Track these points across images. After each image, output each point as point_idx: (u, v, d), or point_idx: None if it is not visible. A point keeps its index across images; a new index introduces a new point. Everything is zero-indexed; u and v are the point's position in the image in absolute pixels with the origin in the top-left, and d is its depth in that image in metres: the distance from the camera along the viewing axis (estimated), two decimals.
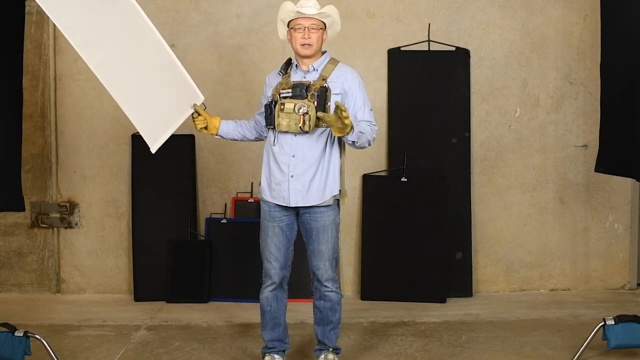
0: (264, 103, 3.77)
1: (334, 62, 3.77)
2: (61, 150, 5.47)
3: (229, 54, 5.45)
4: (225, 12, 5.44)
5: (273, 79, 3.80)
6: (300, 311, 4.74)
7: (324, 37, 3.74)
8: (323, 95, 3.63)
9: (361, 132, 3.59)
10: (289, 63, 3.79)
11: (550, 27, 5.48)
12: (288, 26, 3.75)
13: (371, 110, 3.76)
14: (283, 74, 3.75)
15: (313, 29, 3.67)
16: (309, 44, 3.67)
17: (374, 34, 5.44)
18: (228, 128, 3.96)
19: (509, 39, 5.47)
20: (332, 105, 3.64)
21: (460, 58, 5.41)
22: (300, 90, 3.63)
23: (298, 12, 3.66)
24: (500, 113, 5.50)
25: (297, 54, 3.74)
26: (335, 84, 3.69)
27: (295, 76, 3.73)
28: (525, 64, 5.49)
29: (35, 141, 5.43)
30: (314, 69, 3.73)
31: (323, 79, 3.68)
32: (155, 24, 5.39)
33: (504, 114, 5.50)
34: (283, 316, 3.86)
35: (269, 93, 3.75)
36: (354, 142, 3.59)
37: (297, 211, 3.75)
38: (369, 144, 3.69)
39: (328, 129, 3.66)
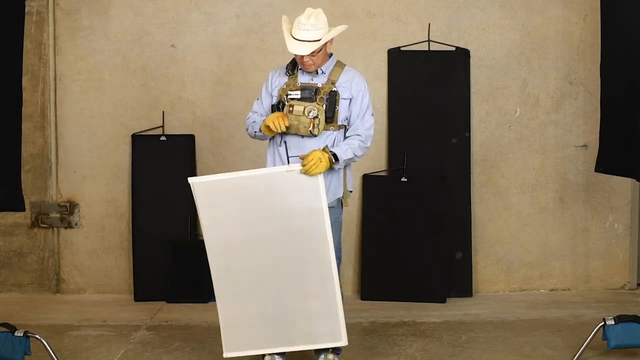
0: (271, 103, 3.75)
1: (340, 65, 3.77)
2: (61, 150, 5.47)
3: (229, 54, 5.45)
4: (225, 12, 5.44)
5: (278, 78, 3.77)
6: None
7: (329, 44, 3.70)
8: (333, 99, 3.65)
9: (350, 158, 3.65)
10: (295, 63, 3.76)
11: (550, 27, 5.48)
12: None
13: (372, 115, 3.78)
14: (290, 74, 3.73)
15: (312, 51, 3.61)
16: (310, 64, 3.65)
17: (374, 34, 5.44)
18: None
19: (509, 39, 5.47)
20: (340, 110, 3.66)
21: (460, 58, 5.41)
22: (309, 93, 3.64)
23: (292, 53, 3.60)
24: (500, 113, 5.50)
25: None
26: (343, 88, 3.70)
27: (303, 78, 3.71)
28: (525, 64, 5.48)
29: (35, 141, 5.43)
30: (322, 72, 3.72)
31: (332, 83, 3.68)
32: (155, 24, 5.47)
33: (504, 114, 5.50)
34: None
35: (275, 93, 3.74)
36: (343, 165, 3.68)
37: None
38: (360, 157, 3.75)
39: (335, 132, 3.69)
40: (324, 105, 3.63)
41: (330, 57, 3.78)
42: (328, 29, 3.66)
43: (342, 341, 3.64)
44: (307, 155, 3.52)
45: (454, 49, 5.41)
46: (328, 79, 3.70)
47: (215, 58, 5.45)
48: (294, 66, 3.76)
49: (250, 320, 3.66)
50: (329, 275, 3.60)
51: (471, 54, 5.43)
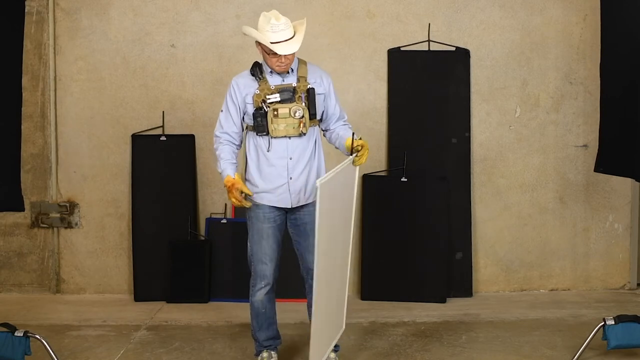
0: (243, 111, 3.71)
1: (303, 62, 3.80)
2: (61, 150, 5.47)
3: (229, 54, 5.45)
4: (225, 12, 5.44)
5: (247, 84, 3.72)
6: (301, 311, 4.72)
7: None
8: (313, 96, 3.69)
9: None
10: (260, 67, 3.73)
11: (550, 27, 5.48)
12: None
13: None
14: (260, 79, 3.70)
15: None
16: (287, 65, 3.66)
17: (374, 34, 5.44)
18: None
19: (509, 39, 5.47)
20: (318, 105, 3.73)
21: (460, 58, 5.41)
22: (288, 94, 3.66)
23: (273, 51, 3.57)
24: (500, 113, 5.50)
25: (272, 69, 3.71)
26: (315, 84, 3.75)
27: (273, 80, 3.70)
28: (525, 64, 5.48)
29: (35, 141, 5.43)
30: (292, 70, 3.73)
31: (305, 80, 3.71)
32: (155, 24, 5.47)
33: (504, 114, 5.50)
34: (275, 315, 3.93)
35: (248, 99, 3.69)
36: None
37: (285, 210, 3.79)
38: None
39: (315, 127, 3.77)
40: (304, 103, 3.66)
41: None
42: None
43: (343, 327, 3.80)
44: (361, 146, 3.62)
45: (454, 49, 5.41)
46: (298, 77, 3.72)
47: (215, 58, 5.45)
48: (261, 70, 3.72)
49: (324, 331, 3.59)
50: (347, 262, 3.79)
51: (471, 54, 5.43)
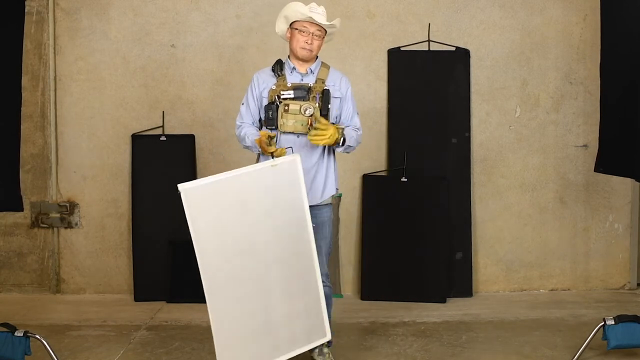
0: (259, 105, 3.77)
1: (326, 65, 3.84)
2: (61, 150, 5.47)
3: (229, 54, 5.45)
4: (225, 12, 5.44)
5: (266, 80, 3.78)
6: None
7: (323, 42, 3.78)
8: (326, 97, 3.71)
9: (349, 145, 3.73)
10: (281, 64, 3.79)
11: (550, 27, 5.48)
12: (290, 25, 3.76)
13: (358, 113, 3.90)
14: (279, 75, 3.76)
15: (317, 35, 3.72)
16: (310, 50, 3.71)
17: (374, 34, 5.44)
18: None
19: (509, 39, 5.47)
20: (332, 108, 3.73)
21: (460, 58, 5.41)
22: (302, 92, 3.69)
23: (309, 17, 3.67)
24: (500, 113, 5.50)
25: (294, 55, 3.76)
26: (333, 87, 3.77)
27: (292, 78, 3.76)
28: (525, 64, 5.49)
29: (35, 141, 5.43)
30: (311, 71, 3.78)
31: (322, 82, 3.74)
32: (155, 24, 5.47)
33: (504, 114, 5.50)
34: None
35: (265, 94, 3.75)
36: (342, 151, 3.75)
37: None
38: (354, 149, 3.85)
39: None
40: (317, 104, 3.68)
41: (316, 58, 3.83)
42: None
43: (327, 336, 3.62)
44: (325, 126, 3.54)
45: (454, 49, 5.41)
46: (317, 79, 3.75)
47: (215, 58, 5.45)
48: (280, 67, 3.78)
49: (243, 336, 3.48)
50: (312, 272, 3.54)
51: (471, 54, 5.43)
